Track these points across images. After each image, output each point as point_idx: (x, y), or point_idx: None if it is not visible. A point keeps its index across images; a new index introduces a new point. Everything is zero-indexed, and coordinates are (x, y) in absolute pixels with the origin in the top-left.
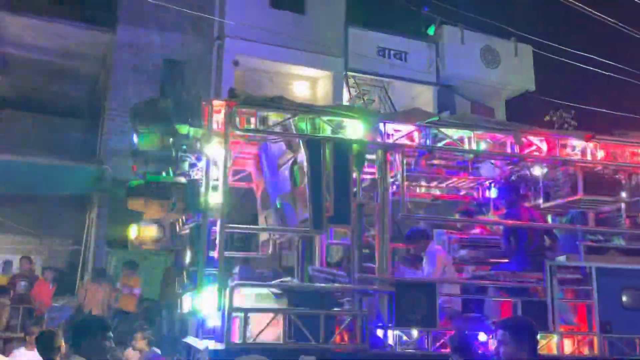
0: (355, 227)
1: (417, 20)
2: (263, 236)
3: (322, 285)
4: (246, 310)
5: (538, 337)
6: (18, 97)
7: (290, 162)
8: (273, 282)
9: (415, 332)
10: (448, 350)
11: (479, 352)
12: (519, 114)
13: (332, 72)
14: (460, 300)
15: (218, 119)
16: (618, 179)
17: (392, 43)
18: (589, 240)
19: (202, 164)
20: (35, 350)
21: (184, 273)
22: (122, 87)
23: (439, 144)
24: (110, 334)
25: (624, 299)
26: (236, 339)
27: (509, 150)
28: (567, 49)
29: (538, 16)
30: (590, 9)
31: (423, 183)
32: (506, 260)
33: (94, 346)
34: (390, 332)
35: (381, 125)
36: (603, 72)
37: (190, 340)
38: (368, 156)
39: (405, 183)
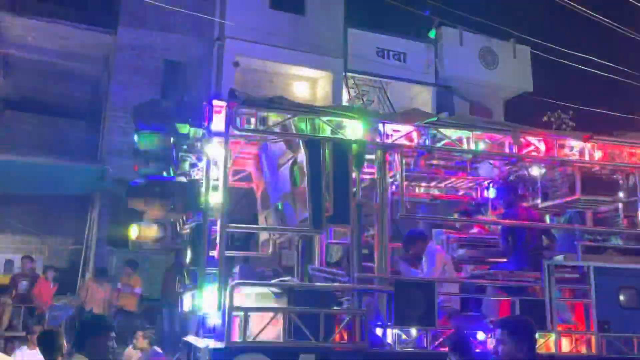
0: (355, 227)
1: (416, 21)
2: (263, 236)
3: (322, 284)
4: (246, 309)
5: (536, 336)
6: (20, 98)
7: (290, 162)
8: (273, 281)
9: (414, 331)
10: (446, 349)
11: (477, 351)
12: (517, 115)
13: (331, 72)
14: (458, 299)
15: (218, 119)
16: (616, 179)
17: (391, 44)
18: (587, 240)
19: (202, 164)
20: (37, 349)
21: (185, 272)
22: (124, 87)
23: (438, 144)
24: (113, 333)
25: (622, 298)
26: (236, 337)
27: (507, 150)
28: (565, 50)
29: (536, 18)
30: (588, 11)
31: (422, 183)
32: (504, 260)
33: (98, 345)
34: (389, 331)
35: (380, 125)
36: (601, 73)
37: (191, 339)
38: (367, 156)
39: (404, 183)
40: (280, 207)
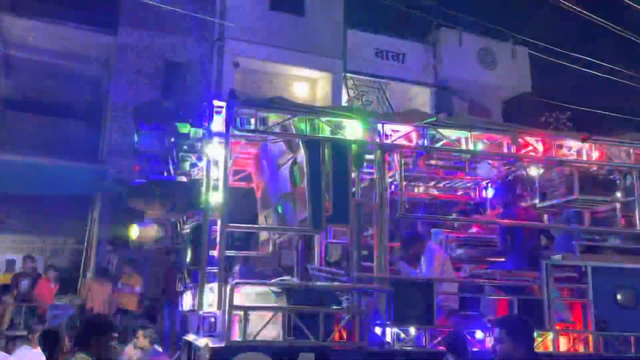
0: (354, 227)
1: (414, 22)
2: (263, 235)
3: (321, 283)
4: (246, 309)
5: (534, 335)
6: (21, 98)
7: (290, 162)
8: (273, 280)
9: (413, 330)
10: (445, 348)
11: (475, 350)
12: (515, 115)
13: (330, 73)
14: (457, 299)
15: (218, 119)
16: (613, 179)
17: (390, 45)
18: (585, 240)
19: (202, 164)
20: (39, 348)
21: (185, 272)
22: (124, 88)
23: (437, 145)
24: (116, 334)
25: (619, 297)
26: (236, 336)
27: (505, 150)
28: (563, 51)
29: (535, 19)
30: (586, 12)
31: (421, 183)
32: (503, 259)
33: (101, 345)
34: (388, 330)
35: (379, 126)
36: (599, 74)
37: (191, 338)
38: (367, 156)
39: (403, 183)
40: (280, 210)
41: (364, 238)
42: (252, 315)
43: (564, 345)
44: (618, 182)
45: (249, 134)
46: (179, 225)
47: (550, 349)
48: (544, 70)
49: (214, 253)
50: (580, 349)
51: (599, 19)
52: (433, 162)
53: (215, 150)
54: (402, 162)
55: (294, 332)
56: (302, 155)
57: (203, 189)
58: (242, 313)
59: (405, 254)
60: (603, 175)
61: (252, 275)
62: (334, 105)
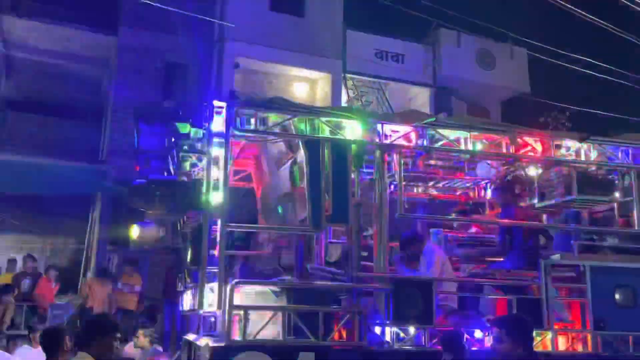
0: (354, 226)
1: (414, 23)
2: (263, 235)
3: (321, 283)
4: (246, 308)
5: (533, 334)
6: (22, 99)
7: (290, 162)
8: (273, 280)
9: (412, 329)
10: None
11: (474, 349)
12: (514, 116)
13: (330, 74)
14: (456, 298)
15: (219, 119)
16: (611, 179)
17: (390, 45)
18: (583, 240)
19: (203, 164)
20: (39, 347)
21: (185, 271)
22: (125, 88)
23: (436, 145)
24: (119, 334)
25: (617, 297)
26: (236, 336)
27: (504, 150)
28: (561, 51)
29: (533, 19)
30: (584, 13)
31: (420, 183)
32: (502, 259)
33: (104, 345)
34: (387, 329)
35: (379, 126)
36: (597, 74)
37: (191, 337)
38: (366, 156)
39: (403, 183)
40: (280, 210)
41: (364, 238)
42: (252, 314)
43: (562, 344)
44: (616, 182)
45: (249, 134)
46: (179, 225)
47: (549, 348)
48: (543, 70)
49: (214, 253)
50: (579, 348)
51: (598, 19)
52: (432, 162)
53: (215, 150)
54: (402, 162)
55: (294, 331)
56: (302, 155)
57: (203, 189)
58: (242, 312)
59: (404, 254)
60: (601, 175)
61: (252, 274)
62: (334, 106)
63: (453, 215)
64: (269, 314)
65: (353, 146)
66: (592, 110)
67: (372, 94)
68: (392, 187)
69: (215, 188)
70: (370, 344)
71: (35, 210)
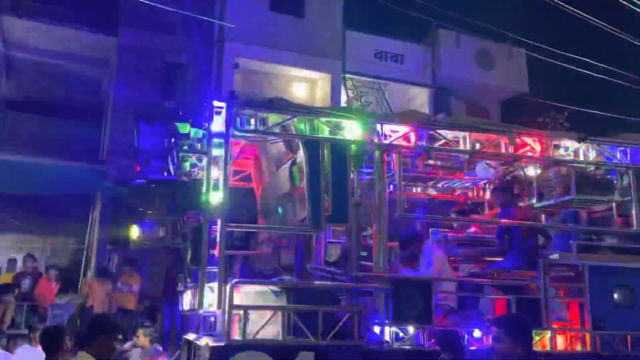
0: (353, 226)
1: (413, 23)
2: (263, 235)
3: (321, 283)
4: (246, 308)
5: (532, 334)
6: (22, 99)
7: (290, 162)
8: (272, 280)
9: (411, 329)
10: None
11: (473, 349)
12: (513, 116)
13: (330, 74)
14: (455, 298)
15: (219, 119)
16: (610, 179)
17: (389, 46)
18: (582, 239)
19: (203, 164)
20: (40, 347)
21: (185, 271)
22: (125, 88)
23: (435, 145)
24: (120, 335)
25: (616, 296)
26: (236, 335)
27: (503, 150)
28: (560, 52)
29: (532, 20)
30: (582, 13)
31: (419, 183)
32: (501, 259)
33: (104, 345)
34: (387, 329)
35: (378, 126)
36: (595, 75)
37: (191, 337)
38: (365, 156)
39: (402, 183)
40: (279, 210)
41: (363, 238)
42: (252, 314)
43: (561, 344)
44: (615, 182)
45: (249, 135)
46: (179, 225)
47: (548, 347)
48: (541, 71)
49: (214, 252)
50: (578, 347)
51: (596, 19)
52: (431, 162)
53: (215, 150)
54: (401, 162)
55: (294, 331)
56: (301, 155)
57: (203, 189)
58: (242, 312)
59: (403, 253)
60: (600, 175)
61: (252, 274)
62: (333, 106)
63: (452, 215)
64: (268, 313)
65: (352, 146)
66: (590, 111)
67: (372, 94)
68: (392, 187)
69: (215, 188)
70: (369, 344)
71: (35, 210)
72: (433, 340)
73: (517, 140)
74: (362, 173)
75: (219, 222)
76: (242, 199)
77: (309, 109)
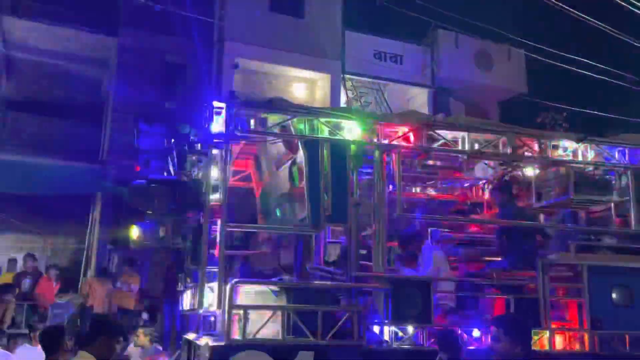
0: (353, 226)
1: (412, 24)
2: (262, 235)
3: (320, 282)
4: (246, 307)
5: (531, 333)
6: (23, 99)
7: (289, 162)
8: (272, 279)
9: (410, 328)
10: None
11: (472, 348)
12: (511, 116)
13: (329, 74)
14: (454, 297)
15: (219, 120)
16: (608, 179)
17: (388, 46)
18: (580, 239)
19: (203, 164)
20: (40, 346)
21: (185, 271)
22: (125, 89)
23: (434, 145)
24: (122, 338)
25: (614, 296)
26: (236, 335)
27: (502, 151)
28: (558, 52)
29: (531, 21)
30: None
31: (418, 183)
32: (500, 259)
33: (105, 346)
34: (386, 328)
35: (378, 126)
36: (594, 75)
37: (191, 336)
38: (365, 157)
39: (401, 183)
40: (279, 210)
41: (363, 237)
42: (252, 314)
43: (559, 343)
44: (613, 182)
45: (249, 135)
46: (179, 225)
47: (547, 347)
48: (540, 71)
49: (214, 252)
50: (576, 347)
51: (595, 20)
52: (431, 162)
53: (215, 150)
54: (400, 162)
55: (293, 330)
56: (301, 155)
57: (203, 189)
58: (241, 312)
59: (403, 253)
60: (598, 175)
61: (252, 274)
62: (333, 106)
63: (451, 215)
64: (268, 313)
65: (352, 146)
66: (589, 111)
67: (371, 94)
68: (391, 187)
69: (215, 188)
70: (368, 343)
71: (35, 210)
72: (432, 340)
73: (516, 140)
74: (361, 173)
75: (219, 222)
76: (241, 199)
77: (308, 109)
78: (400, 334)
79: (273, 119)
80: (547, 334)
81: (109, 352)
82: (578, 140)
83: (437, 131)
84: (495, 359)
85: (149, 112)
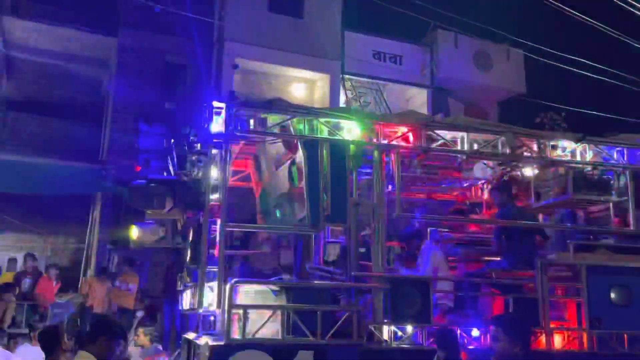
0: (352, 226)
1: (411, 24)
2: (262, 235)
3: (320, 282)
4: (245, 307)
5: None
6: (23, 99)
7: (289, 162)
8: (272, 279)
9: (409, 328)
10: None
11: (471, 347)
12: (510, 116)
13: (329, 74)
14: (453, 297)
15: (218, 120)
16: (607, 179)
17: (388, 47)
18: (579, 239)
19: (202, 164)
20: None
21: (185, 270)
22: (125, 89)
23: (433, 145)
24: (123, 341)
25: (613, 295)
26: (236, 335)
27: (501, 151)
28: (557, 52)
29: (530, 21)
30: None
31: (418, 183)
32: (499, 258)
33: (106, 347)
34: (385, 328)
35: (377, 126)
36: (593, 75)
37: (191, 336)
38: (364, 157)
39: (401, 183)
40: (278, 209)
41: (362, 237)
42: (252, 313)
43: (558, 343)
44: (612, 182)
45: (248, 135)
46: (179, 224)
47: (545, 347)
48: (539, 71)
49: (214, 252)
50: (575, 346)
51: (594, 21)
52: (430, 162)
53: (214, 150)
54: (400, 162)
55: (293, 330)
56: (300, 155)
57: (203, 188)
58: (241, 311)
59: (401, 250)
60: (597, 175)
61: (252, 274)
62: (332, 106)
63: (450, 215)
64: (268, 312)
65: (351, 146)
66: (588, 111)
67: (370, 94)
68: (390, 187)
69: (215, 188)
70: (368, 343)
71: (35, 210)
72: (431, 340)
73: (515, 140)
74: (360, 173)
75: (218, 222)
76: (241, 199)
77: (308, 110)
78: (399, 333)
79: (273, 119)
80: (545, 333)
81: (109, 352)
82: (577, 141)
83: (436, 131)
84: (494, 359)
85: (149, 112)
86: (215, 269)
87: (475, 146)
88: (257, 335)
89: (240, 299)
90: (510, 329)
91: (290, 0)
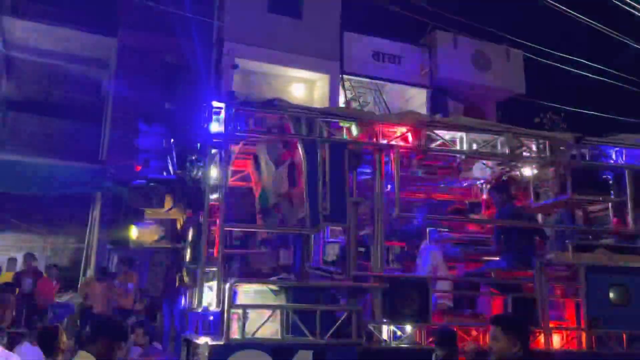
0: (351, 226)
1: (410, 25)
2: (261, 235)
3: (319, 282)
4: (245, 307)
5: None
6: (23, 99)
7: (288, 162)
8: (271, 279)
9: (408, 327)
10: None
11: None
12: (510, 116)
13: (328, 75)
14: (452, 296)
15: (218, 120)
16: (606, 179)
17: (387, 47)
18: (578, 239)
19: (202, 164)
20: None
21: (185, 270)
22: (125, 89)
23: (432, 145)
24: (124, 343)
25: (612, 295)
26: (235, 334)
27: (500, 151)
28: (556, 53)
29: (529, 22)
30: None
31: (417, 183)
32: (497, 258)
33: (106, 347)
34: (384, 327)
35: (376, 126)
36: (592, 75)
37: (190, 335)
38: (363, 157)
39: (400, 183)
40: (278, 210)
41: (361, 237)
42: (251, 313)
43: (557, 342)
44: (611, 182)
45: (248, 135)
46: (178, 224)
47: (544, 346)
48: (538, 72)
49: (213, 251)
50: (574, 346)
51: (593, 21)
52: (429, 162)
53: (214, 150)
54: (399, 162)
55: (292, 330)
56: (300, 155)
57: (202, 188)
58: (240, 311)
59: (400, 250)
60: (596, 175)
61: (251, 273)
62: (332, 107)
63: (449, 215)
64: (267, 312)
65: (350, 146)
66: (587, 111)
67: (370, 94)
68: (389, 187)
69: (215, 188)
70: (367, 342)
71: (35, 209)
72: (430, 339)
73: (514, 140)
74: (360, 173)
75: (218, 222)
76: (240, 199)
77: (307, 110)
78: (398, 333)
79: (272, 119)
80: (544, 333)
81: (109, 352)
82: (576, 141)
83: (436, 131)
84: (493, 359)
85: (148, 112)
86: (214, 268)
87: (475, 146)
88: (257, 335)
89: (240, 299)
90: (509, 328)
91: (290, 0)
